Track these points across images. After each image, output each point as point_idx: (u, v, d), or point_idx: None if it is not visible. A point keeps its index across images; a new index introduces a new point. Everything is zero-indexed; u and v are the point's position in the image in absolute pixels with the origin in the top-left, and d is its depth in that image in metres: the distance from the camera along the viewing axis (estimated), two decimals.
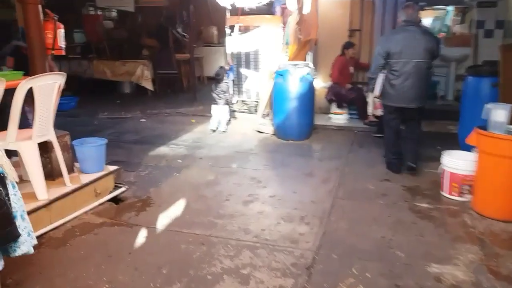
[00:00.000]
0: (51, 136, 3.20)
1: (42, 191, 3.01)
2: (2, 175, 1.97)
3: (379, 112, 5.95)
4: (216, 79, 5.98)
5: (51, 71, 5.50)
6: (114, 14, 11.60)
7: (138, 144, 5.40)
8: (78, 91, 8.36)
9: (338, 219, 3.23)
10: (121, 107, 7.55)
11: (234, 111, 6.77)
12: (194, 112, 7.08)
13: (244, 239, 2.90)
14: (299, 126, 5.51)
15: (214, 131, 5.90)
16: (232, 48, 6.75)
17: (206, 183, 3.98)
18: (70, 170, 3.58)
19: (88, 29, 10.16)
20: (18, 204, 2.09)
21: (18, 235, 2.01)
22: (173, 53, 8.88)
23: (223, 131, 5.90)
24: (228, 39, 6.79)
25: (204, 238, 2.92)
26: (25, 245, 2.10)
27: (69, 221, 3.13)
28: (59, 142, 3.40)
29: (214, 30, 10.43)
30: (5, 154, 2.08)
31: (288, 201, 3.57)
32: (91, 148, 3.64)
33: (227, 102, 6.03)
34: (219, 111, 5.94)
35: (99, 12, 11.00)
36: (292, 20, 6.34)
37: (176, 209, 3.42)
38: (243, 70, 6.86)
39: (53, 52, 3.50)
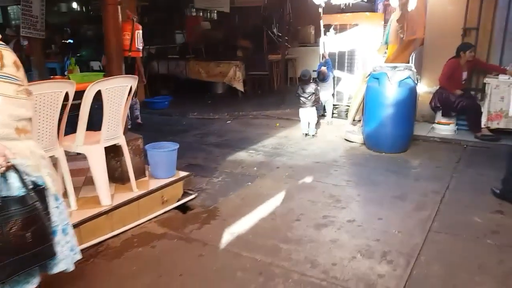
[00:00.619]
0: (120, 140, 3.13)
1: (106, 197, 2.94)
2: (42, 187, 1.82)
3: (496, 124, 5.04)
4: (302, 80, 5.56)
5: (139, 72, 5.71)
6: (214, 15, 11.86)
7: (218, 147, 5.25)
8: (174, 91, 8.66)
9: (431, 260, 2.61)
10: (211, 108, 7.56)
11: (323, 115, 6.34)
12: (280, 115, 6.78)
13: (309, 274, 2.47)
14: (394, 137, 4.84)
15: (306, 135, 5.61)
16: (325, 48, 6.29)
17: (278, 197, 3.62)
18: (141, 174, 3.52)
19: (188, 30, 10.54)
20: (59, 218, 1.93)
21: (53, 254, 1.86)
22: (266, 54, 8.70)
23: (313, 135, 5.57)
24: (321, 39, 6.34)
25: (263, 266, 2.57)
26: (64, 262, 1.94)
27: (130, 229, 3.03)
28: (130, 145, 3.35)
29: (311, 30, 10.01)
30: (51, 165, 1.95)
31: (369, 229, 3.03)
32: (162, 153, 3.52)
33: (315, 105, 5.57)
34: (306, 114, 5.54)
35: (200, 14, 11.33)
36: (394, 17, 5.67)
37: (241, 225, 3.12)
38: (336, 72, 6.37)
39: (130, 54, 3.44)
